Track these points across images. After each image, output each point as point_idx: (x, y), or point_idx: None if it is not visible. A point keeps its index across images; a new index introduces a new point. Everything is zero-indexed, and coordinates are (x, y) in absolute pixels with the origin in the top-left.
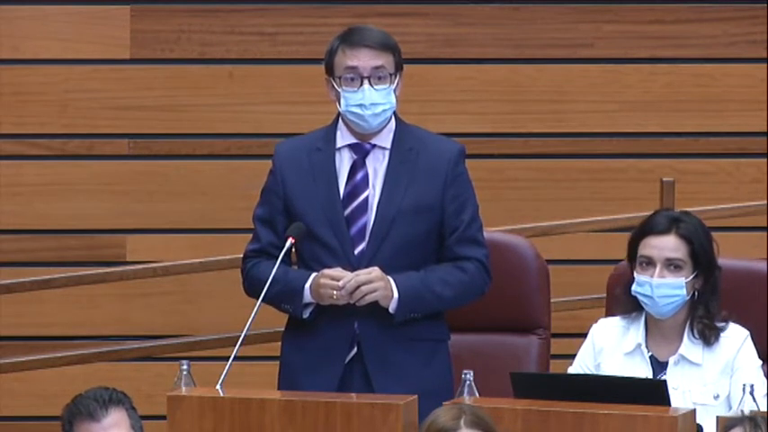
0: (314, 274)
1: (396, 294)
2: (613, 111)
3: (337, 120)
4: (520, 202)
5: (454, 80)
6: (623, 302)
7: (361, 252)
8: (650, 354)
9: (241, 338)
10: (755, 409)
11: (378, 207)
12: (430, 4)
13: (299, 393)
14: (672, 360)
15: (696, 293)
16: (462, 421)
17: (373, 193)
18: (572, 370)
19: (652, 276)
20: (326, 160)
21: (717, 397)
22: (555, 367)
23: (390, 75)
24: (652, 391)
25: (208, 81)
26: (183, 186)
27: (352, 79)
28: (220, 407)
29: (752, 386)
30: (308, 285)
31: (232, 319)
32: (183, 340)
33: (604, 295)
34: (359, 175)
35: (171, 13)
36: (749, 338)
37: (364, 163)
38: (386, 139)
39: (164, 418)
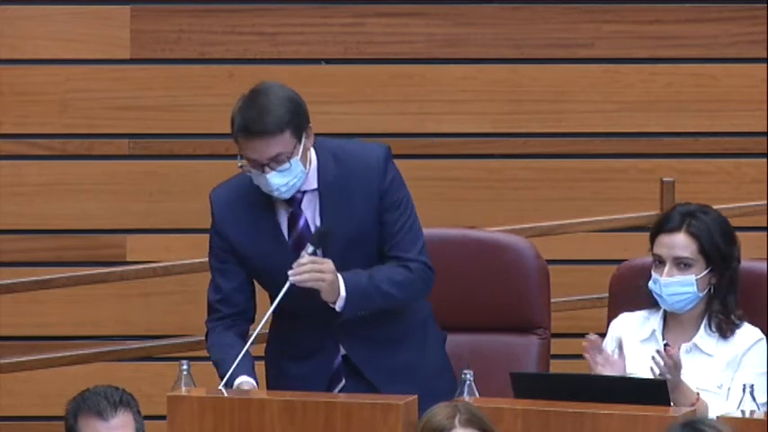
0: (240, 382)
1: (343, 293)
2: (613, 111)
3: None
4: (520, 202)
5: (454, 80)
6: (646, 294)
7: None
8: (665, 342)
9: (251, 339)
10: (755, 409)
11: (323, 249)
12: (430, 4)
13: (299, 393)
14: (684, 347)
15: (712, 288)
16: (457, 420)
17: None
18: None
19: (662, 275)
20: (267, 217)
21: (720, 386)
22: (555, 367)
23: (292, 151)
24: (652, 391)
25: (208, 81)
26: (183, 186)
27: (253, 166)
28: (220, 407)
29: (752, 386)
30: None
31: None
32: (183, 340)
33: (604, 295)
34: (300, 224)
35: (171, 13)
36: (764, 342)
37: (301, 210)
38: (312, 180)
39: (164, 418)
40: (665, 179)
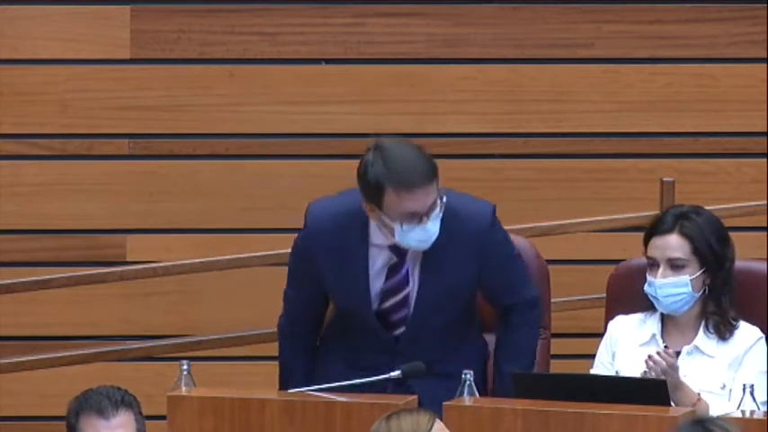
0: None
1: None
2: (613, 111)
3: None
4: (520, 202)
5: (454, 80)
6: (643, 299)
7: (399, 335)
8: (665, 344)
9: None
10: (755, 409)
11: (416, 302)
12: (430, 4)
13: (299, 393)
14: (685, 350)
15: (707, 289)
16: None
17: (414, 286)
18: (594, 370)
19: (656, 277)
20: (361, 259)
21: (723, 387)
22: (555, 367)
23: (441, 198)
24: (652, 391)
25: (208, 81)
26: (183, 186)
27: (411, 218)
28: (220, 407)
29: (752, 386)
30: None
31: (232, 319)
32: (183, 340)
33: (604, 295)
34: (401, 274)
35: (171, 13)
36: (764, 340)
37: (405, 260)
38: None
39: (164, 418)
40: (665, 179)
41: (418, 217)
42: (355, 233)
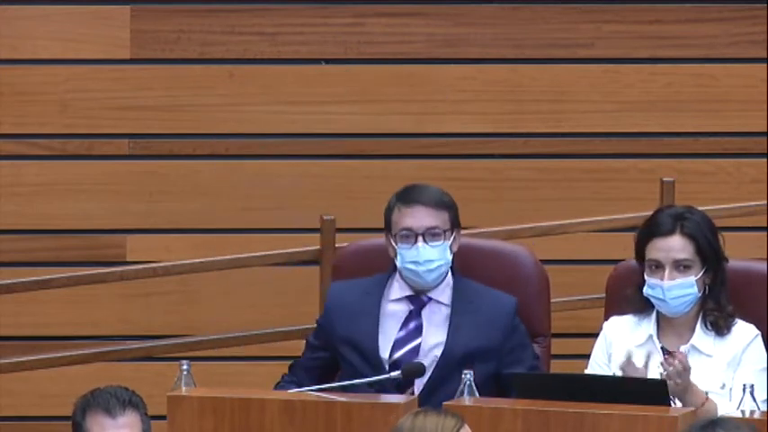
0: None
1: None
2: (613, 111)
3: (394, 271)
4: (520, 203)
5: (454, 80)
6: (636, 301)
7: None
8: (662, 345)
9: None
10: (755, 409)
11: (444, 353)
12: (430, 4)
13: (299, 393)
14: (682, 349)
15: (707, 288)
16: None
17: (424, 341)
18: (588, 370)
19: (662, 279)
20: (373, 307)
21: (723, 386)
22: (554, 367)
23: (445, 231)
24: (652, 391)
25: (208, 81)
26: (183, 186)
27: (407, 237)
28: (220, 407)
29: (752, 386)
30: None
31: (232, 319)
32: (183, 340)
33: (604, 295)
34: (412, 324)
35: (171, 13)
36: (760, 337)
37: (420, 314)
38: (442, 293)
39: (164, 418)
40: (665, 179)
41: (413, 236)
42: (374, 288)
